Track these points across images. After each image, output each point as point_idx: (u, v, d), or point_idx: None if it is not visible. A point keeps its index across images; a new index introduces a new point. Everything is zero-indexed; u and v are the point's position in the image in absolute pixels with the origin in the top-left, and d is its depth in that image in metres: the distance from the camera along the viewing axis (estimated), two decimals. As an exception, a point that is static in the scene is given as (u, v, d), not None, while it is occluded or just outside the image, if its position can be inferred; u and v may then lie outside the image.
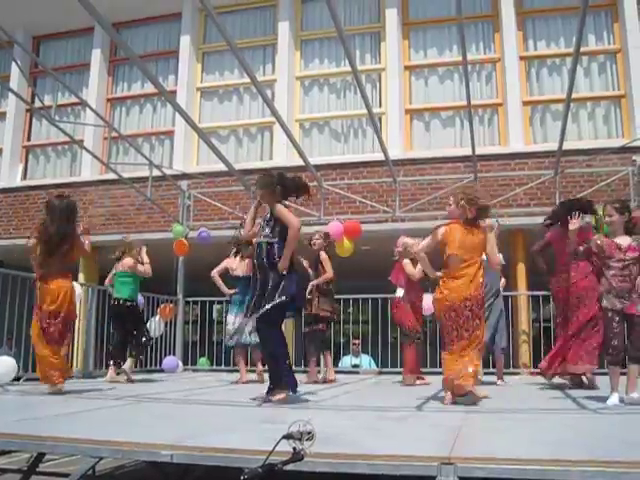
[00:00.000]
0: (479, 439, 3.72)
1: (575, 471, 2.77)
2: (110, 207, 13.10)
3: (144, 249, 8.81)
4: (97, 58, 14.04)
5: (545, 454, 3.00)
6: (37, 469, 5.02)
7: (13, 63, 12.17)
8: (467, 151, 10.09)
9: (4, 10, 12.08)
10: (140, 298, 9.28)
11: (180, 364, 10.82)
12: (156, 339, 10.71)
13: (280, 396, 5.50)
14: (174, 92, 12.95)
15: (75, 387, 7.30)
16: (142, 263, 8.67)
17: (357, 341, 12.04)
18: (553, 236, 7.39)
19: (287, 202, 5.97)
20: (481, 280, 5.63)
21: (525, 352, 10.55)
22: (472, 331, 5.45)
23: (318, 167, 10.82)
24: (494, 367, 8.51)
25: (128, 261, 8.63)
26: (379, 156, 10.32)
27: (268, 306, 5.49)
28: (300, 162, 10.20)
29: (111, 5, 11.83)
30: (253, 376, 8.64)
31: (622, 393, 5.31)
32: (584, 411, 5.07)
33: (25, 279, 8.01)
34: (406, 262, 7.96)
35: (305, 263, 8.48)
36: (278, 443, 2.45)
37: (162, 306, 10.48)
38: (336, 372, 9.02)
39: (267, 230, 5.70)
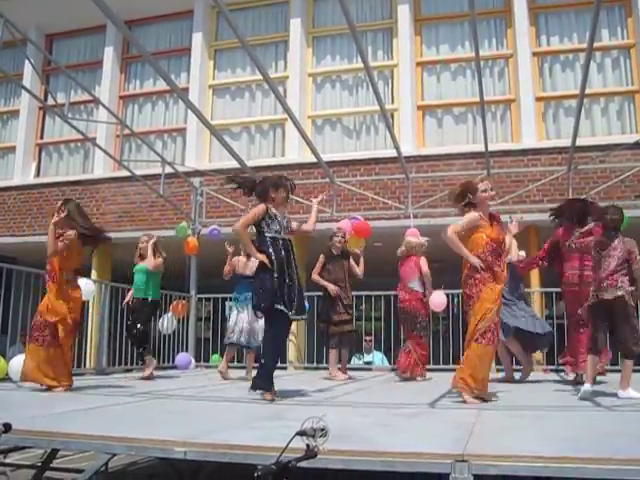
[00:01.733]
0: (493, 436, 3.71)
1: (591, 468, 2.75)
2: (123, 204, 13.15)
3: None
4: (109, 56, 14.08)
5: (560, 451, 2.98)
6: (51, 465, 5.06)
7: (26, 61, 12.21)
8: (480, 147, 10.06)
9: (17, 9, 12.10)
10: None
11: (193, 361, 10.84)
12: (169, 336, 10.74)
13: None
14: (186, 89, 12.96)
15: (88, 384, 7.33)
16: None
17: (369, 338, 12.02)
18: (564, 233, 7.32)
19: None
20: None
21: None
22: None
23: (330, 164, 10.81)
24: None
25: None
26: (391, 152, 10.31)
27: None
28: (312, 159, 10.23)
29: (123, 3, 11.86)
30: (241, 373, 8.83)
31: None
32: (598, 408, 5.04)
33: (38, 276, 8.03)
34: (423, 260, 8.35)
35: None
36: (292, 440, 2.44)
37: (174, 303, 10.50)
38: (348, 369, 9.04)
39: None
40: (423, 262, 8.40)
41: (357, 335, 9.18)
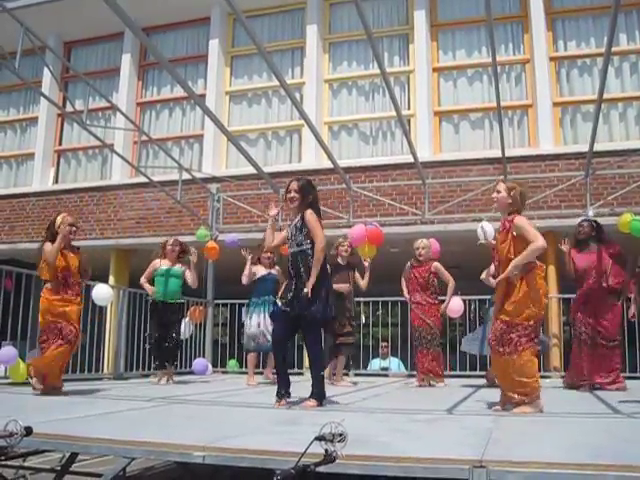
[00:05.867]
0: (511, 442, 3.69)
1: (610, 475, 2.73)
2: (140, 210, 13.22)
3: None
4: (127, 63, 14.18)
5: (578, 458, 2.96)
6: (70, 469, 5.08)
7: (45, 68, 12.35)
8: (497, 153, 10.04)
9: (36, 17, 12.23)
10: None
11: (210, 366, 10.86)
12: (186, 341, 10.78)
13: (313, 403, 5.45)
14: (203, 96, 13.01)
15: (106, 388, 7.38)
16: None
17: (385, 344, 12.01)
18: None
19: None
20: None
21: (556, 355, 10.46)
22: None
23: (347, 169, 10.81)
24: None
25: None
26: (408, 158, 10.29)
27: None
28: (329, 165, 10.24)
29: (141, 10, 12.00)
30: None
31: None
32: (618, 415, 5.01)
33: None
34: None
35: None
36: (310, 445, 2.45)
37: (192, 309, 10.54)
38: (365, 375, 9.06)
39: (300, 237, 5.57)
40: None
41: (353, 348, 9.16)
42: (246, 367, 9.26)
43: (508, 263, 5.14)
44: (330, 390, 6.81)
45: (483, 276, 7.94)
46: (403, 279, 8.61)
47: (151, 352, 8.95)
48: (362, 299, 10.42)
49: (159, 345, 8.64)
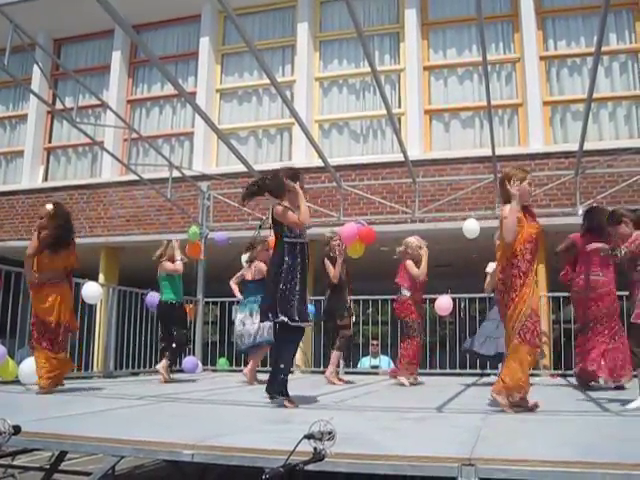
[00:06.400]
0: (500, 440, 3.70)
1: (599, 473, 2.74)
2: (130, 208, 13.18)
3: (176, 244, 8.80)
4: (117, 60, 14.13)
5: (567, 456, 2.97)
6: (59, 468, 5.06)
7: (35, 65, 12.27)
8: (487, 152, 10.05)
9: (26, 13, 12.18)
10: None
11: (200, 365, 10.84)
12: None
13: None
14: (194, 93, 12.98)
15: (96, 387, 7.36)
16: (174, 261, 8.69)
17: (376, 342, 12.01)
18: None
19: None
20: None
21: (545, 354, 10.48)
22: None
23: (337, 168, 10.81)
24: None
25: (166, 265, 8.68)
26: (398, 157, 10.30)
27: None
28: (319, 163, 10.24)
29: (131, 8, 11.93)
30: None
31: None
32: (607, 413, 5.02)
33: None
34: (409, 263, 8.05)
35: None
36: (299, 443, 2.45)
37: (182, 306, 10.52)
38: (355, 373, 9.04)
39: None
40: (409, 265, 8.05)
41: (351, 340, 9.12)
42: (237, 365, 9.21)
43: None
44: (320, 388, 6.83)
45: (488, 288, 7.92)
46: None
47: (175, 350, 8.75)
48: (352, 297, 10.40)
49: (186, 342, 8.93)
